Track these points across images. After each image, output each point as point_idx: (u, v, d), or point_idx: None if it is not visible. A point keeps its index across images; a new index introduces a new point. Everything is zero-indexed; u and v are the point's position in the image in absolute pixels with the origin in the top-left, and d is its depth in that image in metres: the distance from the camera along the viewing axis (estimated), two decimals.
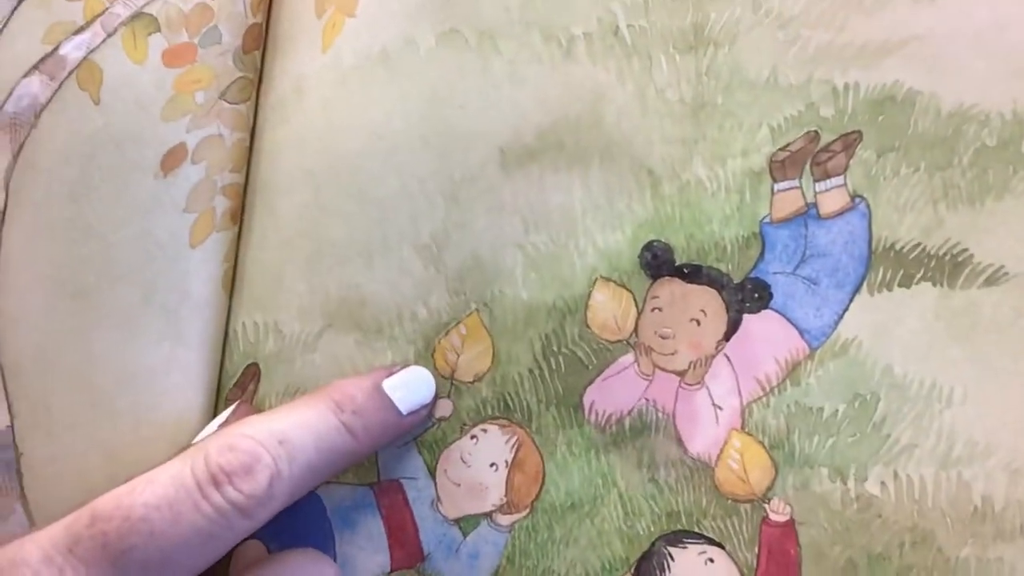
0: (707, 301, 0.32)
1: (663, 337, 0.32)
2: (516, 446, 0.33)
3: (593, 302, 0.32)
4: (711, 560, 0.32)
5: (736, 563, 0.32)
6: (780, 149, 0.32)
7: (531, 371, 0.33)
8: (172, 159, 0.34)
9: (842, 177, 0.31)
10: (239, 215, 0.36)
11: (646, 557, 0.32)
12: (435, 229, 0.33)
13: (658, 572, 0.32)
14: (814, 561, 0.31)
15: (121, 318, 0.33)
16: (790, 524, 0.31)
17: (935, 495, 0.31)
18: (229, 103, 0.35)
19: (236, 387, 0.35)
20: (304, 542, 0.33)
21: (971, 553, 0.31)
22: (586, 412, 0.33)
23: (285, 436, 0.28)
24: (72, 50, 0.33)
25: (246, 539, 0.32)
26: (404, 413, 0.32)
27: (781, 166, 0.32)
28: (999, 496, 0.30)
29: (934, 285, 0.31)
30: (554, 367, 0.33)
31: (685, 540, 0.32)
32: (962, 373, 0.31)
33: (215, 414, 0.35)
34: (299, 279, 0.34)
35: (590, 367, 0.33)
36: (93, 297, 0.33)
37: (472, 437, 0.33)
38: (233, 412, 0.33)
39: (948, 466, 0.31)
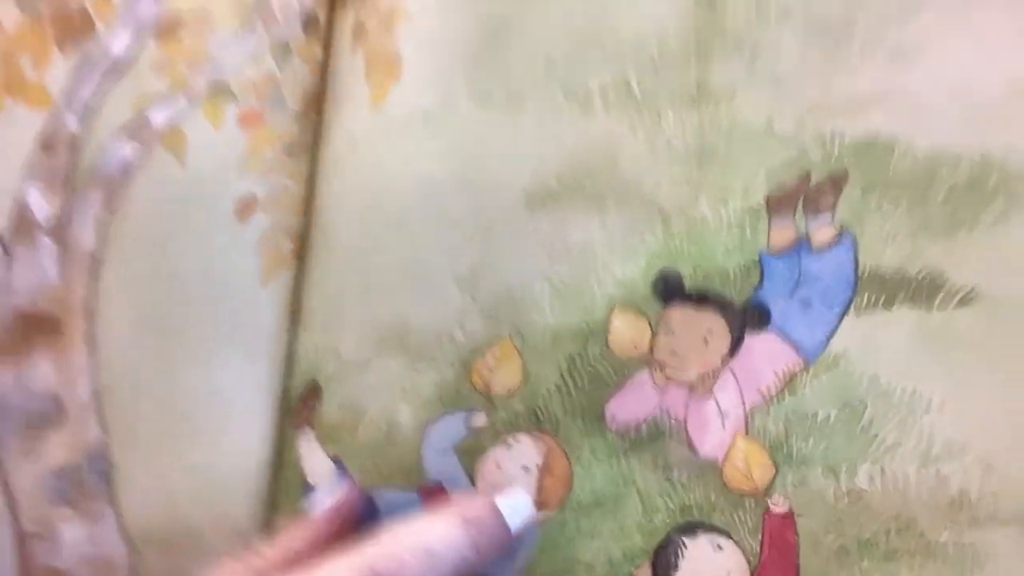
0: (713, 323, 0.36)
1: (676, 355, 0.36)
2: (546, 451, 0.36)
3: (613, 327, 0.36)
4: (720, 547, 0.35)
5: (742, 549, 0.35)
6: (776, 189, 0.35)
7: (558, 387, 0.36)
8: (246, 209, 0.38)
9: (831, 213, 0.35)
10: (302, 253, 0.40)
11: (663, 546, 0.36)
12: (471, 263, 0.37)
13: (674, 559, 0.36)
14: (811, 547, 0.35)
15: (201, 349, 0.37)
16: (789, 515, 0.35)
17: (917, 488, 0.34)
18: (292, 157, 0.39)
19: (300, 404, 0.39)
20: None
21: (949, 538, 0.34)
22: (608, 421, 0.36)
23: (432, 550, 0.31)
24: (159, 117, 0.37)
25: None
26: (512, 532, 0.35)
27: (777, 204, 0.35)
28: (974, 488, 0.34)
29: (914, 306, 0.34)
30: (579, 383, 0.36)
31: (697, 530, 0.35)
32: (939, 383, 0.34)
33: (281, 429, 0.39)
34: (355, 309, 0.38)
35: (611, 382, 0.36)
36: (176, 331, 0.37)
37: (507, 445, 0.37)
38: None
39: (928, 463, 0.34)
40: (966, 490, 0.34)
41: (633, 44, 0.36)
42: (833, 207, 0.35)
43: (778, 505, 0.35)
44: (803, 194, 0.35)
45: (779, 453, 0.35)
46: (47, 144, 0.36)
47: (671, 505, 0.36)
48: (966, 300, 0.34)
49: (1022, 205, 0.34)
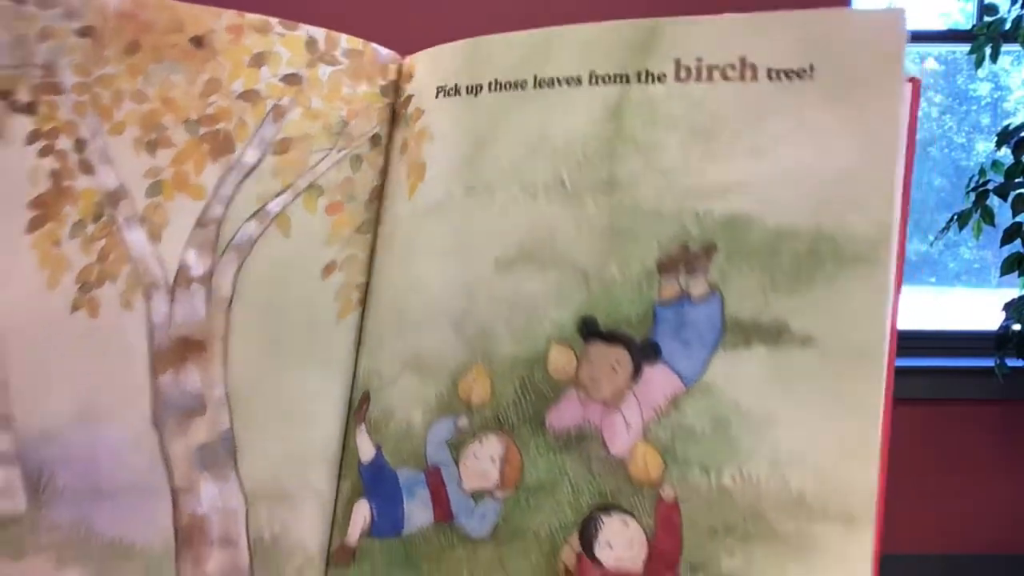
0: (620, 356, 0.46)
1: (593, 379, 0.47)
2: (506, 447, 0.48)
3: (550, 357, 0.47)
4: (626, 523, 0.45)
5: (642, 526, 0.45)
6: (664, 255, 0.45)
7: (514, 400, 0.48)
8: (328, 270, 0.52)
9: (704, 274, 0.44)
10: (365, 301, 0.54)
11: (587, 520, 0.46)
12: (460, 310, 0.49)
13: (594, 530, 0.46)
14: (689, 527, 0.44)
15: (296, 365, 0.52)
16: (675, 502, 0.44)
17: (767, 487, 0.43)
18: (360, 234, 0.53)
19: (358, 406, 0.53)
20: (388, 499, 0.51)
21: (791, 528, 0.42)
22: (547, 427, 0.47)
23: None
24: (274, 206, 0.52)
25: (359, 499, 0.51)
26: None
27: (666, 267, 0.45)
28: (809, 491, 0.42)
29: (765, 347, 0.43)
30: (528, 398, 0.47)
31: (611, 510, 0.46)
32: (785, 406, 0.43)
33: (347, 423, 0.53)
34: (391, 342, 0.51)
35: (550, 398, 0.47)
36: (281, 352, 0.52)
37: (480, 441, 0.49)
38: None
39: (775, 467, 0.43)
40: (803, 491, 0.42)
41: (564, 150, 0.47)
42: (706, 270, 0.45)
43: (667, 494, 0.45)
44: (684, 260, 0.45)
45: (668, 455, 0.44)
46: (201, 223, 0.52)
47: (592, 490, 0.46)
48: (804, 342, 0.42)
49: (848, 269, 0.42)
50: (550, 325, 0.47)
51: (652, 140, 0.45)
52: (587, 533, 0.46)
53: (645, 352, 0.45)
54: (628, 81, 0.46)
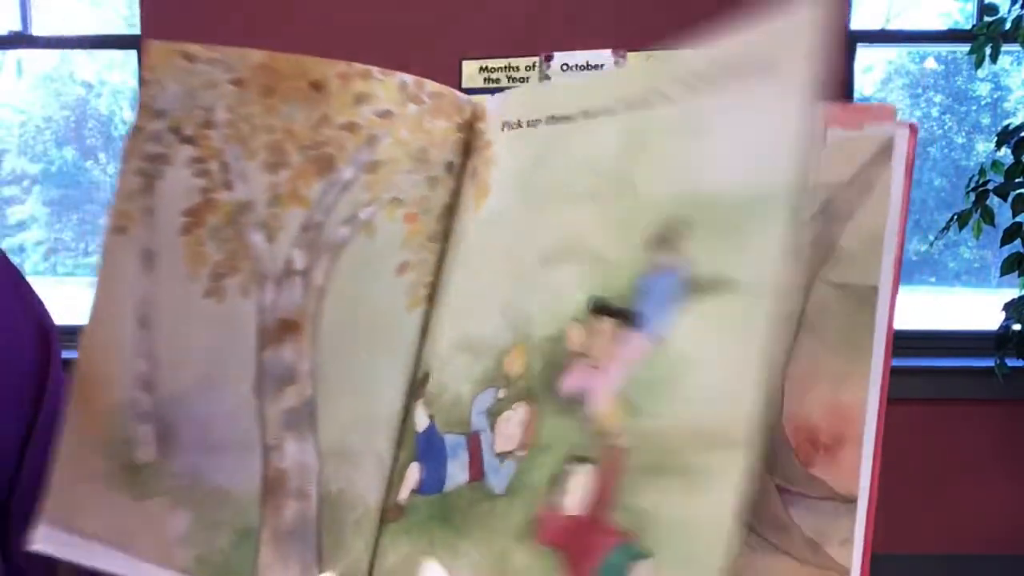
0: (612, 325, 0.57)
1: (592, 347, 0.57)
2: (530, 416, 0.58)
3: (568, 333, 0.58)
4: (588, 472, 0.55)
5: (598, 473, 0.53)
6: (652, 237, 0.55)
7: (539, 372, 0.59)
8: (402, 268, 0.66)
9: (679, 249, 0.54)
10: (431, 296, 0.66)
11: (560, 473, 0.56)
12: (508, 299, 0.62)
13: (563, 480, 0.55)
14: (626, 469, 0.52)
15: (370, 346, 0.66)
16: (624, 448, 0.53)
17: (683, 423, 0.50)
18: (431, 242, 0.67)
19: (419, 384, 0.65)
20: (436, 462, 0.61)
21: (696, 457, 0.49)
22: (556, 392, 0.58)
23: None
24: (363, 214, 0.67)
25: (411, 463, 0.61)
26: None
27: (652, 246, 0.56)
28: (709, 421, 0.49)
29: (710, 298, 0.51)
30: (549, 370, 0.59)
31: (578, 462, 0.55)
32: (711, 348, 0.50)
33: (409, 398, 0.65)
34: (448, 328, 0.65)
35: (563, 368, 0.58)
36: (358, 335, 0.66)
37: (513, 409, 0.59)
38: None
39: (690, 404, 0.50)
40: (703, 423, 0.50)
41: (597, 164, 0.60)
42: (681, 246, 0.54)
43: (619, 441, 0.53)
44: (666, 239, 0.55)
45: (628, 407, 0.53)
46: (305, 227, 0.67)
47: (576, 444, 0.55)
48: (734, 289, 0.50)
49: (768, 223, 0.49)
50: (574, 307, 0.58)
51: (659, 145, 0.56)
52: (558, 484, 0.56)
53: (629, 319, 0.55)
54: (647, 103, 0.57)
